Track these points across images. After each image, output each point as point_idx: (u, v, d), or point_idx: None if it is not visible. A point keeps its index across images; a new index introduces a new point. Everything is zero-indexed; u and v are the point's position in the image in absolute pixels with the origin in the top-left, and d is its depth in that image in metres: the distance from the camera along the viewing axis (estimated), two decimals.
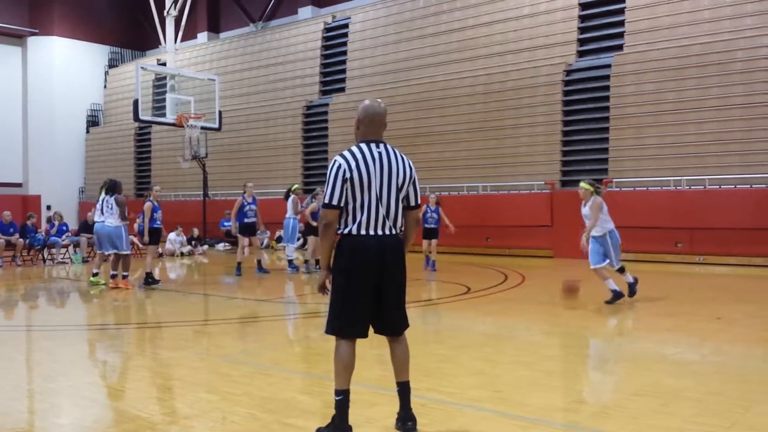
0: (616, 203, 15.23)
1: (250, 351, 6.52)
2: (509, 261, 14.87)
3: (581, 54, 17.14)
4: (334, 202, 3.65)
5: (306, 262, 13.46)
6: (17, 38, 27.19)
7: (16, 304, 10.48)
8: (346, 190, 3.64)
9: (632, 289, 8.66)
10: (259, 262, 13.10)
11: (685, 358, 5.89)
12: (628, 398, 4.52)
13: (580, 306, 8.67)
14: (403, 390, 3.75)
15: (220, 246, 20.59)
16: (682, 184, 14.45)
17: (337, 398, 3.67)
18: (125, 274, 10.97)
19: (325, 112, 21.26)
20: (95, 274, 11.52)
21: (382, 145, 3.76)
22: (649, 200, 14.77)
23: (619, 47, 16.40)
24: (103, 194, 10.93)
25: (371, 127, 3.79)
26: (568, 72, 16.77)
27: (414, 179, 3.81)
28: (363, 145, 3.73)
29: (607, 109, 16.00)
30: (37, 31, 27.26)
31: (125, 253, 10.85)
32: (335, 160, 3.70)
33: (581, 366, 5.69)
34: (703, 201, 14.05)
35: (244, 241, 12.77)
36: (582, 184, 8.61)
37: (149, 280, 11.13)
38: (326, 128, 21.19)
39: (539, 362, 5.67)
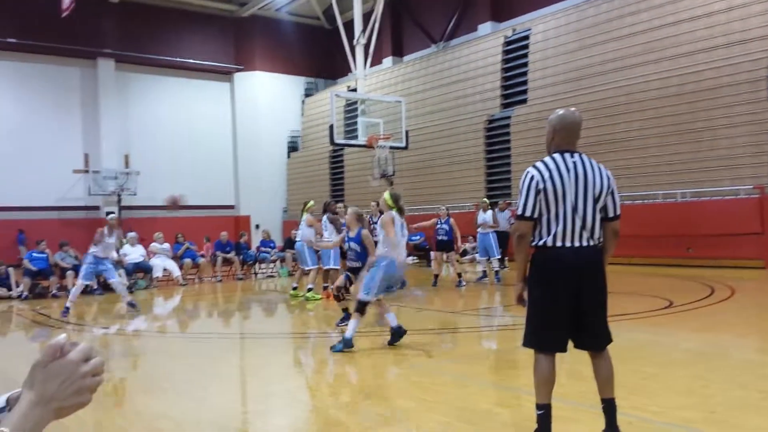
0: None
1: (445, 361, 6.68)
2: (714, 273, 13.71)
3: None
4: (528, 213, 3.65)
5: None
6: (225, 75, 30.27)
7: (234, 314, 11.67)
8: (540, 201, 3.62)
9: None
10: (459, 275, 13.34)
11: None
12: None
13: None
14: (609, 407, 3.65)
15: (409, 259, 21.24)
16: None
17: (539, 412, 3.66)
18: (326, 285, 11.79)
19: (507, 125, 21.16)
20: (294, 288, 12.54)
21: (576, 155, 3.70)
22: None
23: None
24: (306, 215, 12.00)
25: (567, 137, 3.73)
26: None
27: (612, 189, 3.71)
28: (557, 156, 3.69)
29: None
30: (242, 67, 30.15)
31: (330, 267, 11.66)
32: (528, 172, 3.69)
33: None
34: None
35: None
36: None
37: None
38: (508, 141, 21.06)
39: (756, 382, 5.20)
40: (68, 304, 10.62)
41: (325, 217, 11.71)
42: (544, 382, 3.66)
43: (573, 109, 3.87)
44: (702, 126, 16.05)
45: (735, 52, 15.97)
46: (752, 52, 15.64)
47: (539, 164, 3.69)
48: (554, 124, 3.75)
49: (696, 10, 16.83)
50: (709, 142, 15.91)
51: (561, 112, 3.80)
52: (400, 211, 7.12)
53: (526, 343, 3.76)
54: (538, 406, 3.66)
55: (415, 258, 21.26)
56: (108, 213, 13.30)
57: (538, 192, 3.62)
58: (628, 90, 17.69)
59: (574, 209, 3.61)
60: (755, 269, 14.28)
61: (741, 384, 5.11)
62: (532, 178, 3.65)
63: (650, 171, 16.91)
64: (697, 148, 16.14)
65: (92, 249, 10.74)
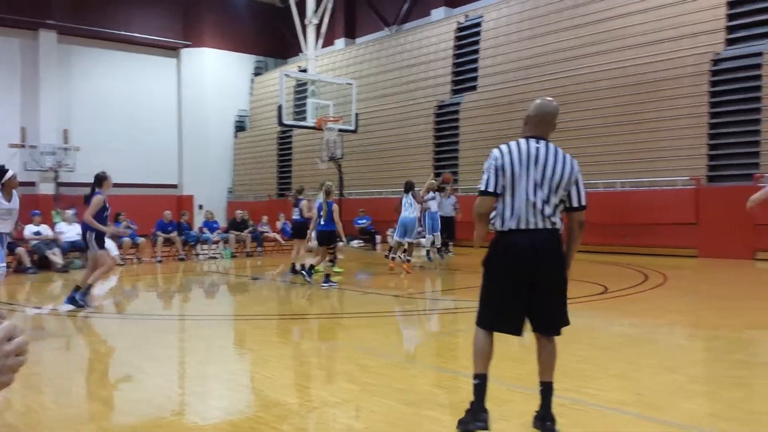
0: None
1: (387, 344, 6.70)
2: (650, 260, 14.18)
3: (730, 42, 15.95)
4: (490, 188, 3.70)
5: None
6: (172, 50, 29.44)
7: (174, 295, 11.45)
8: (500, 178, 3.68)
9: None
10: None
11: None
12: None
13: (728, 308, 8.14)
14: (546, 390, 3.74)
15: (354, 243, 21.23)
16: None
17: (475, 382, 3.75)
18: (409, 258, 13.01)
19: (456, 111, 21.29)
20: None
21: (543, 142, 3.75)
22: None
23: None
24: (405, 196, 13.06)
25: (539, 126, 3.79)
26: (716, 61, 15.67)
27: (577, 179, 3.76)
28: (522, 140, 3.76)
29: (758, 99, 14.80)
30: (189, 43, 29.36)
31: (413, 240, 13.12)
32: (492, 152, 3.77)
33: (730, 371, 5.35)
34: None
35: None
36: None
37: (294, 271, 12.79)
38: (457, 127, 21.21)
39: (684, 366, 5.41)
40: None
41: (410, 195, 13.06)
42: (480, 354, 3.77)
43: (550, 98, 3.92)
44: (647, 118, 16.49)
45: (683, 45, 16.38)
46: (699, 46, 16.08)
47: (502, 146, 3.78)
48: (528, 112, 3.85)
49: (647, 3, 17.15)
50: (652, 133, 16.37)
51: (538, 101, 3.88)
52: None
53: (480, 323, 3.82)
54: (475, 376, 3.76)
55: (361, 242, 21.26)
56: None
57: (497, 169, 3.69)
58: (577, 80, 18.02)
59: (531, 193, 3.66)
60: (689, 258, 14.83)
61: (670, 368, 5.30)
62: (494, 158, 3.73)
63: (594, 160, 17.29)
64: (639, 139, 16.60)
65: None
